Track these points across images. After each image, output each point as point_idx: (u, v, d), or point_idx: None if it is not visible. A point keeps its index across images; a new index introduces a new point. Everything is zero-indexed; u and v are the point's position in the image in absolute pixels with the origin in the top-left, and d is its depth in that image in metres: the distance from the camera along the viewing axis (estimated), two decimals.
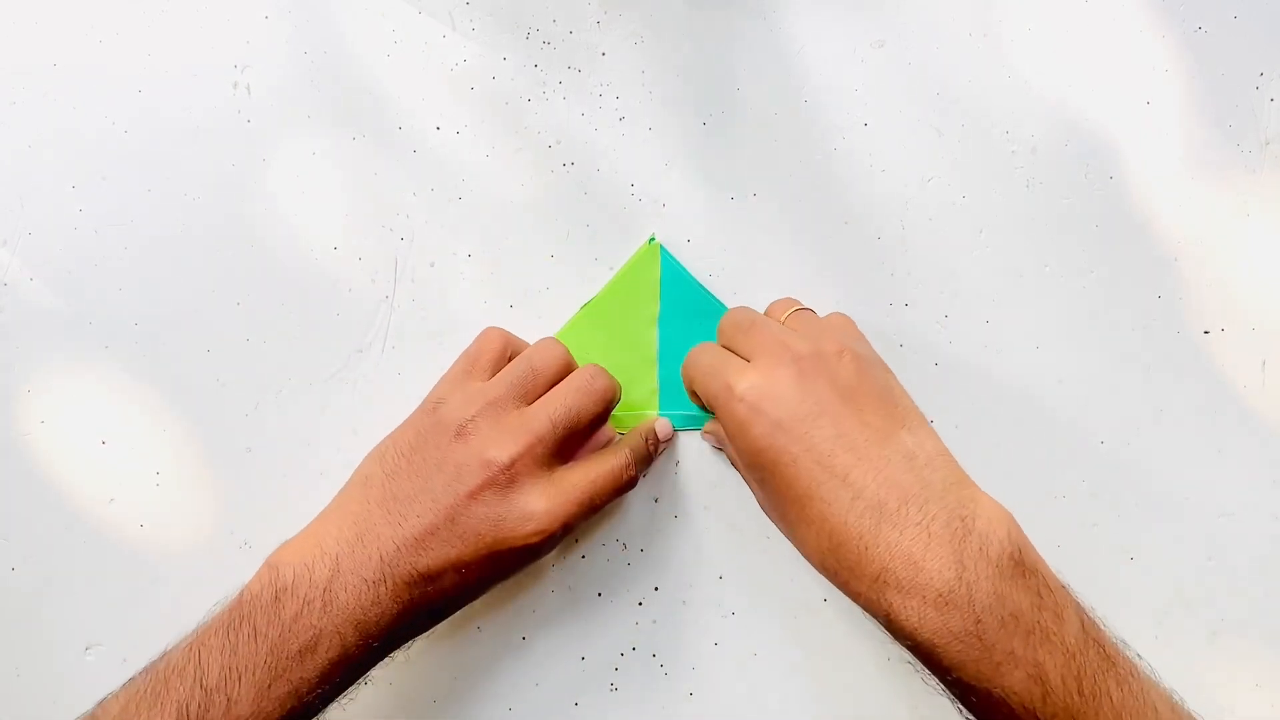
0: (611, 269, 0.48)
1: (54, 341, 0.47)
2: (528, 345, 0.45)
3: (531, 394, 0.41)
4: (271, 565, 0.37)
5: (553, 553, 0.46)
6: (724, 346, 0.42)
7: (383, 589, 0.37)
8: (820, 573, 0.37)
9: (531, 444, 0.39)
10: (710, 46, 0.48)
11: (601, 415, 0.42)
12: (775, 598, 0.46)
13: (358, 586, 0.36)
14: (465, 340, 0.44)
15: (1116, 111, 0.47)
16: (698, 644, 0.46)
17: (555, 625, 0.47)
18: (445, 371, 0.43)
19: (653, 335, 0.47)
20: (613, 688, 0.46)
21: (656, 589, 0.47)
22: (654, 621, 0.47)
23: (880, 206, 0.48)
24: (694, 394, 0.43)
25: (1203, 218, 0.47)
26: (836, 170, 0.48)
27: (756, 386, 0.38)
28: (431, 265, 0.48)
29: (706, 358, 0.41)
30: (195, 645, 0.36)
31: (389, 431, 0.42)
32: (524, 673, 0.46)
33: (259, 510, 0.47)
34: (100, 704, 0.36)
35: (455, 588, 0.38)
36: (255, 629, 0.36)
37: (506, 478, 0.38)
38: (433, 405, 0.41)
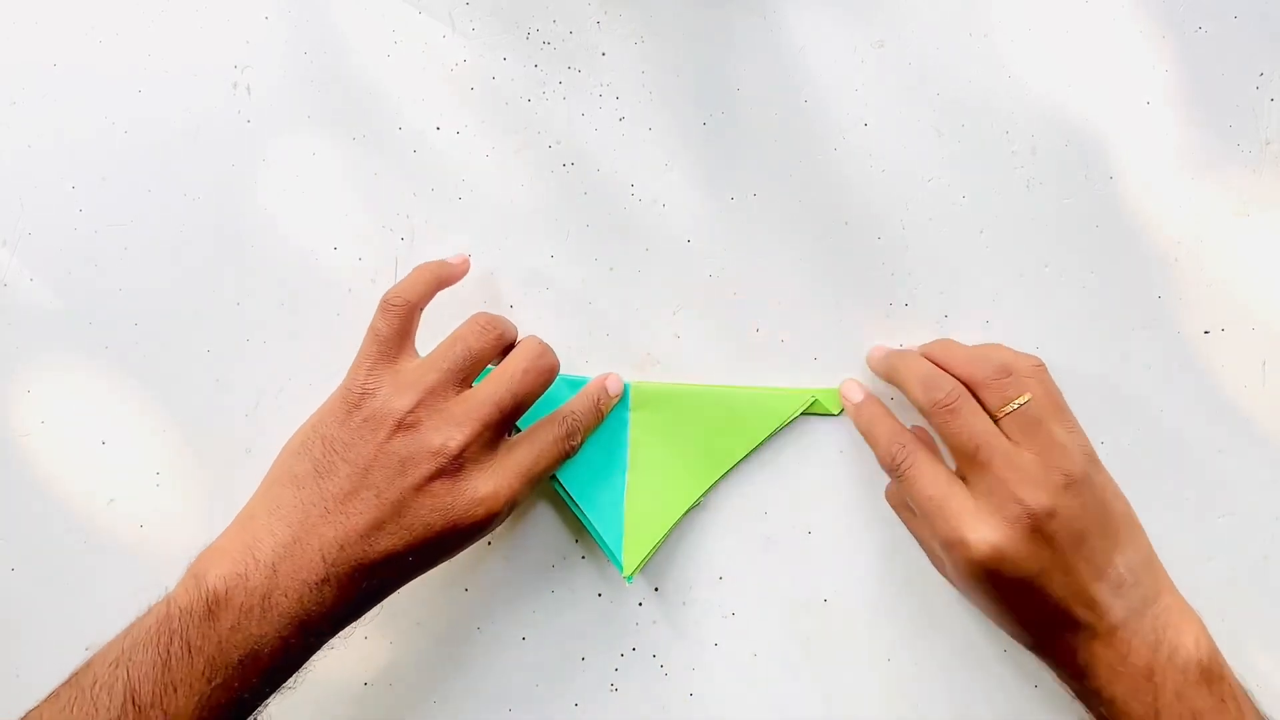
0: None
1: (54, 342, 0.47)
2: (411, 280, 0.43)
3: (470, 376, 0.41)
4: (198, 576, 0.36)
5: (553, 553, 0.47)
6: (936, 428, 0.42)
7: (327, 588, 0.36)
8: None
9: (479, 430, 0.39)
10: (710, 46, 0.48)
11: (543, 392, 0.42)
12: (775, 598, 0.46)
13: (299, 590, 0.36)
14: None
15: (1116, 111, 0.47)
16: (698, 644, 0.46)
17: (555, 625, 0.47)
18: (357, 355, 0.41)
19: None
20: (613, 688, 0.46)
21: (656, 589, 0.47)
22: (654, 621, 0.47)
23: (880, 206, 0.48)
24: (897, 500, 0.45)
25: (1203, 218, 0.47)
26: (836, 170, 0.48)
27: (995, 549, 0.38)
28: None
29: (928, 482, 0.40)
30: (122, 662, 0.35)
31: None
32: (524, 673, 0.46)
33: None
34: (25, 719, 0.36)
35: (401, 575, 0.39)
36: (189, 644, 0.35)
37: (455, 465, 0.38)
38: (358, 396, 0.39)
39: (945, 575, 0.43)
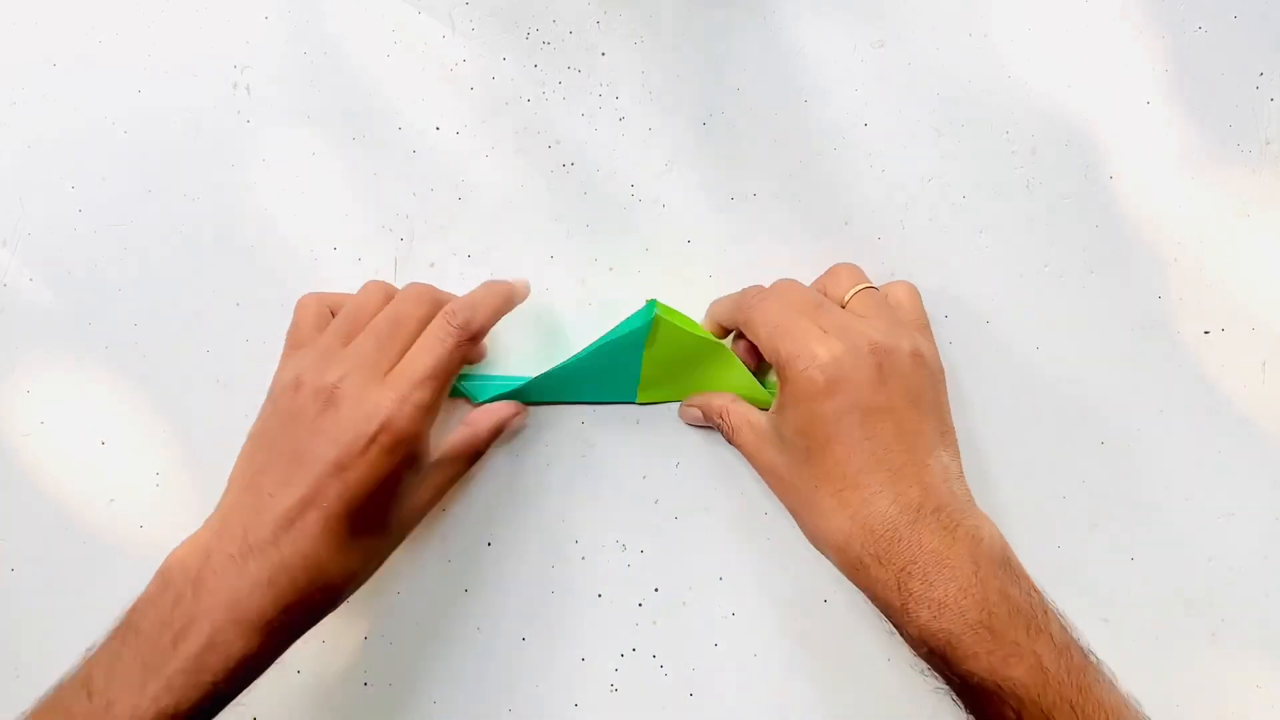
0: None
1: (54, 342, 0.47)
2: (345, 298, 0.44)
3: (353, 331, 0.41)
4: (158, 570, 0.37)
5: (553, 553, 0.47)
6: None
7: (250, 562, 0.36)
8: (834, 555, 0.39)
9: (355, 363, 0.39)
10: (710, 46, 0.48)
11: (424, 312, 0.41)
12: (775, 598, 0.46)
13: (224, 565, 0.36)
14: None
15: (1116, 111, 0.47)
16: (698, 644, 0.46)
17: (555, 625, 0.47)
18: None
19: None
20: (613, 688, 0.46)
21: (656, 590, 0.47)
22: (654, 622, 0.47)
23: (880, 206, 0.48)
24: (724, 328, 0.45)
25: (1203, 218, 0.47)
26: (836, 170, 0.48)
27: (839, 362, 0.38)
28: (431, 265, 0.48)
29: (777, 313, 0.41)
30: (89, 652, 0.36)
31: None
32: (524, 673, 0.46)
33: None
34: (22, 714, 0.36)
35: (330, 541, 0.37)
36: (137, 629, 0.35)
37: (336, 397, 0.38)
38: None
39: (745, 441, 0.42)
